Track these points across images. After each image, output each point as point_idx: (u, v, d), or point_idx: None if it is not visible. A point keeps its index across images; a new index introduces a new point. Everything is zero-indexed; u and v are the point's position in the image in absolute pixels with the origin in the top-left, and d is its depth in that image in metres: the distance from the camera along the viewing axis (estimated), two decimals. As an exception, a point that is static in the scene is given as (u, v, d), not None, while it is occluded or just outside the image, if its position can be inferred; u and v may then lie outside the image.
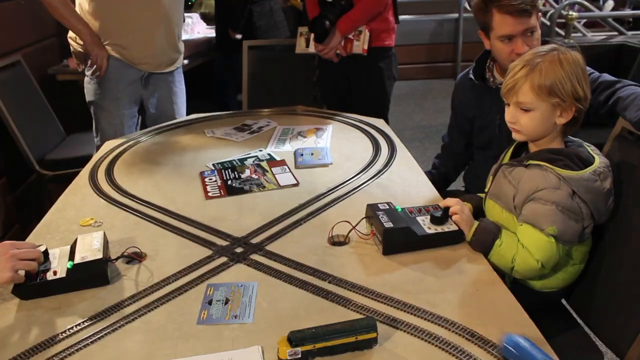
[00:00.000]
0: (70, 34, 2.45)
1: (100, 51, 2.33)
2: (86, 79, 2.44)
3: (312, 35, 2.60)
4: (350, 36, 2.56)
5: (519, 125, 1.32)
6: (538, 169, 1.28)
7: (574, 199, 1.24)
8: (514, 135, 1.36)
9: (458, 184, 2.20)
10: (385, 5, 2.56)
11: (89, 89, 2.44)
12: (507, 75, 1.33)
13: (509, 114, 1.34)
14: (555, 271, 1.35)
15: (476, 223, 1.31)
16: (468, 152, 2.01)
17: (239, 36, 3.56)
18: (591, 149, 1.35)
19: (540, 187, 1.25)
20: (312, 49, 2.65)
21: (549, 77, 1.26)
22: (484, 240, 1.29)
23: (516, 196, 1.31)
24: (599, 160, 1.30)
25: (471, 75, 1.85)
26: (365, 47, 2.56)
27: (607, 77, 1.52)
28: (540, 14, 1.66)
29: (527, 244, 1.26)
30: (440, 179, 2.05)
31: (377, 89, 2.71)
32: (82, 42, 2.35)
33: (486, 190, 1.46)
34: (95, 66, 2.34)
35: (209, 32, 4.04)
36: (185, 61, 3.56)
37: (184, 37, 3.97)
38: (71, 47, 2.50)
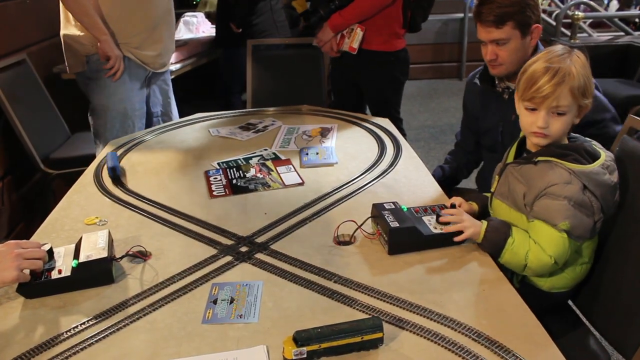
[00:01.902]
0: (67, 31, 2.37)
1: (117, 52, 2.31)
2: (91, 81, 2.38)
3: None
4: (345, 33, 2.59)
5: (548, 131, 1.27)
6: (548, 165, 1.27)
7: (585, 193, 1.24)
8: (538, 141, 1.30)
9: (470, 183, 2.19)
10: (379, 8, 2.52)
11: (97, 90, 2.38)
12: (531, 82, 1.26)
13: (542, 120, 1.26)
14: (563, 270, 1.34)
15: (485, 223, 1.29)
16: (478, 151, 2.00)
17: (239, 30, 3.56)
18: (594, 143, 1.34)
19: (552, 182, 1.25)
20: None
21: (582, 78, 1.25)
22: (497, 240, 1.27)
23: (527, 194, 1.30)
24: (605, 154, 1.30)
25: (476, 80, 1.85)
26: (355, 46, 2.57)
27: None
28: (535, 23, 1.66)
29: (540, 240, 1.25)
30: (450, 174, 2.04)
31: (376, 90, 2.73)
32: (83, 42, 2.32)
33: (492, 190, 1.45)
34: (112, 68, 2.31)
35: (214, 31, 4.05)
36: (190, 60, 3.58)
37: (190, 36, 3.99)
38: (64, 45, 2.40)
